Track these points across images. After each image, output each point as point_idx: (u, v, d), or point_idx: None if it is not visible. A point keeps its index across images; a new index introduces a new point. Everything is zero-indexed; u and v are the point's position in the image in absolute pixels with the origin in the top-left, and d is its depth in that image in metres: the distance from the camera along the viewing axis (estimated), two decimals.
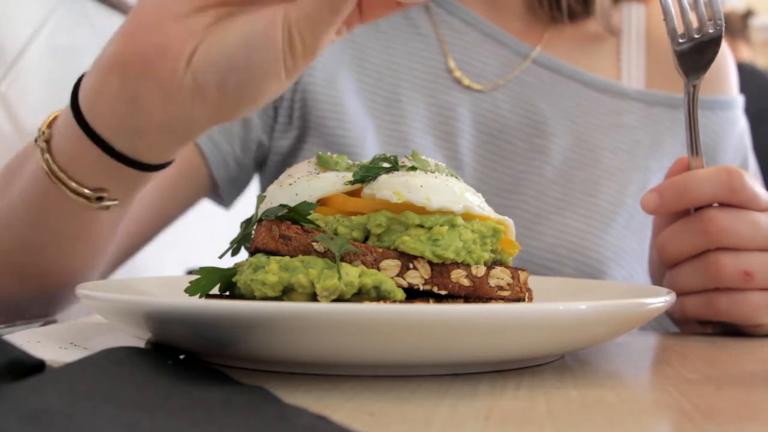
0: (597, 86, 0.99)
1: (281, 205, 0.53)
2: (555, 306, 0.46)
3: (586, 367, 0.54)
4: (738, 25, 3.35)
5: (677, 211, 0.71)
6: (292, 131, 0.96)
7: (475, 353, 0.47)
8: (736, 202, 0.68)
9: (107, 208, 0.63)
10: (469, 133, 0.95)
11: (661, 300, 0.52)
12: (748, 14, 3.50)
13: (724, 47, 1.04)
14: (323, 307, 0.43)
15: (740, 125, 1.03)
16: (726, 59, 1.05)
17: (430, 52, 0.99)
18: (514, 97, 0.98)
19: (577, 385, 0.47)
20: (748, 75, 2.94)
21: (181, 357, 0.48)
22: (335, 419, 0.35)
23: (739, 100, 1.04)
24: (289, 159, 0.96)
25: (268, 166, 0.98)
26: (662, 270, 0.73)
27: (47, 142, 0.61)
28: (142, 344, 0.51)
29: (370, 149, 0.92)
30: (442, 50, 0.99)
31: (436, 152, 0.94)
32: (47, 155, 0.61)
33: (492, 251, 0.54)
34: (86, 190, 0.61)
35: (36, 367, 0.40)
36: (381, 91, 0.96)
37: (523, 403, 0.42)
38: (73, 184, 0.61)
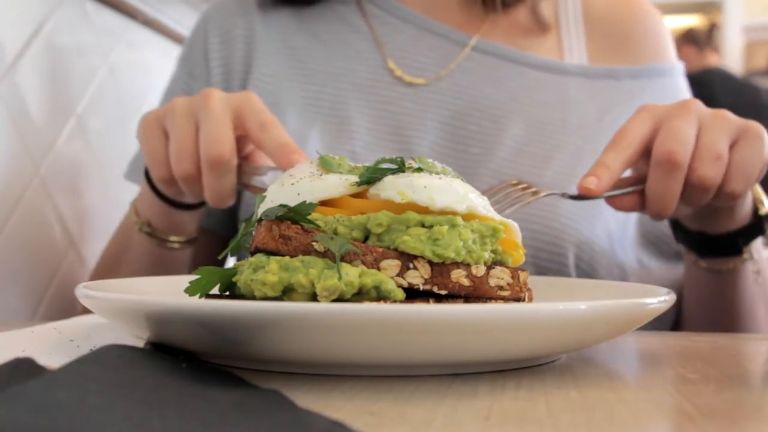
0: (540, 66, 1.02)
1: (281, 205, 0.53)
2: (555, 306, 0.46)
3: (586, 367, 0.54)
4: (703, 38, 3.96)
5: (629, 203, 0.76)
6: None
7: (475, 353, 0.47)
8: (662, 117, 0.73)
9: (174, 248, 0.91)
10: (418, 126, 0.98)
11: (661, 300, 0.52)
12: (712, 27, 4.24)
13: (658, 17, 1.08)
14: (323, 307, 0.43)
15: (681, 90, 1.06)
16: (661, 29, 1.07)
17: (370, 54, 1.02)
18: (457, 85, 1.00)
19: (577, 385, 0.47)
20: (720, 77, 3.44)
21: (181, 357, 0.48)
22: (335, 419, 0.35)
23: (678, 67, 1.07)
24: None
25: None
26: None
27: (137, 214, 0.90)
28: (141, 344, 0.51)
29: (311, 152, 0.93)
30: (381, 51, 1.02)
31: (385, 146, 0.96)
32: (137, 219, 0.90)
33: (492, 251, 0.54)
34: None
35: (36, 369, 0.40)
36: (325, 96, 0.99)
37: (523, 403, 0.42)
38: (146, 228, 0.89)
